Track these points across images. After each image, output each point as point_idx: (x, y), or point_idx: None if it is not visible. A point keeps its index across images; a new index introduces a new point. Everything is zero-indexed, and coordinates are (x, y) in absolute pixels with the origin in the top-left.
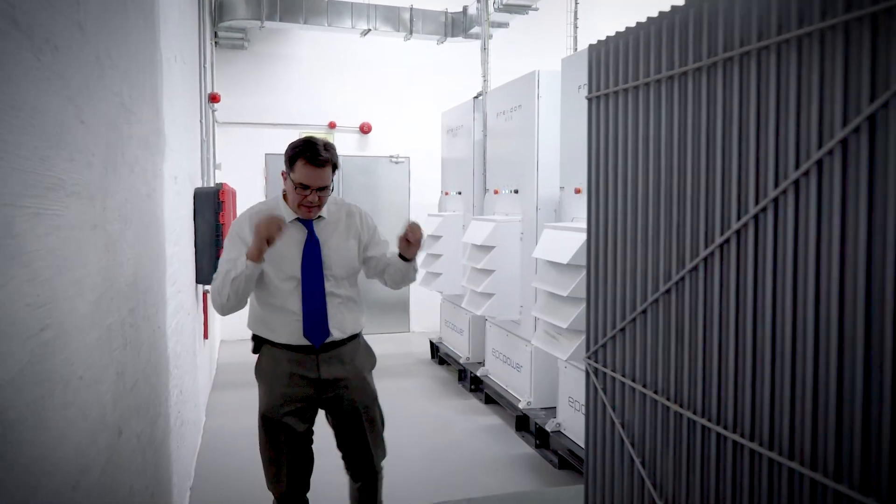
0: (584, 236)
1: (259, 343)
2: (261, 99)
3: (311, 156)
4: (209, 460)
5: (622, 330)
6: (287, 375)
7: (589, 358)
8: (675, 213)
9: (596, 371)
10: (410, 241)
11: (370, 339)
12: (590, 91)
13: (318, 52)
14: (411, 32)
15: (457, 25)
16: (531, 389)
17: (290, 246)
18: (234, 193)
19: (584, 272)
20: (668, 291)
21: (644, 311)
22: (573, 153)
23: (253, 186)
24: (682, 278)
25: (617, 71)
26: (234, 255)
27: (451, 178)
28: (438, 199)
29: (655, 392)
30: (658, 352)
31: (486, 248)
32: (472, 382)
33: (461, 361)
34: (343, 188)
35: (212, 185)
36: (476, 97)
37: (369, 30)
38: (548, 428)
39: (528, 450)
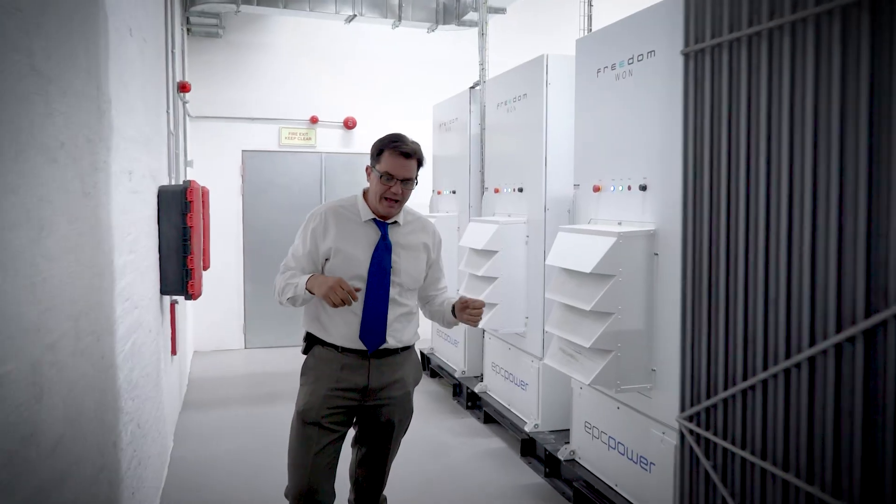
0: (610, 241)
1: (311, 343)
2: (237, 91)
3: (399, 145)
4: (176, 496)
5: (744, 392)
6: (335, 379)
7: (688, 420)
8: (825, 232)
9: (697, 437)
10: (470, 315)
11: None
12: (686, 43)
13: (298, 40)
14: (400, 19)
15: (449, 12)
16: (539, 410)
17: (361, 246)
18: (205, 192)
19: (610, 282)
20: (824, 353)
21: (781, 374)
22: (590, 146)
23: (229, 186)
24: (848, 339)
25: (732, 12)
26: (301, 251)
27: (443, 176)
28: (430, 199)
29: (797, 476)
30: (798, 427)
31: (487, 253)
32: (469, 399)
33: (456, 375)
34: (326, 187)
35: (180, 183)
36: (473, 87)
37: (354, 16)
38: (560, 456)
39: (537, 479)
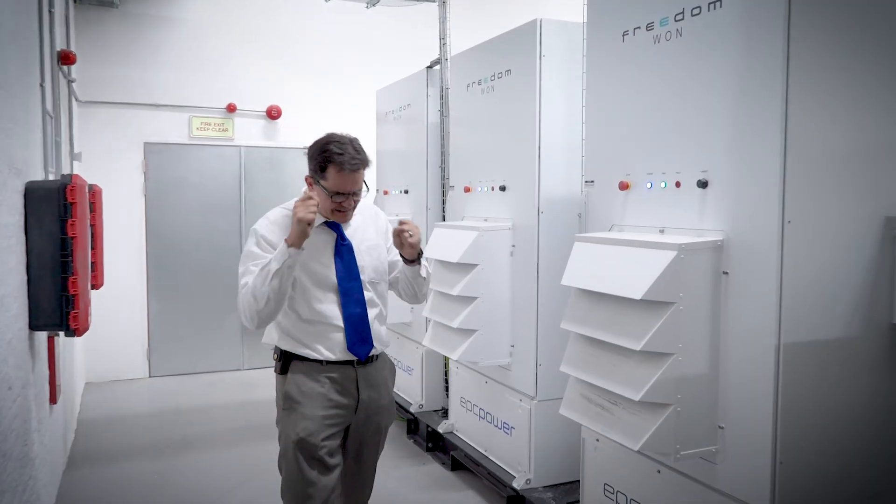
0: (667, 256)
1: (288, 361)
2: (138, 73)
3: (345, 161)
4: None
5: None
6: (325, 397)
7: None
8: None
9: None
10: (409, 238)
11: (263, 373)
12: None
13: (213, 14)
14: None
15: None
16: (531, 462)
17: (321, 254)
18: (97, 192)
19: (667, 312)
20: None
21: None
22: (612, 131)
23: (128, 184)
24: None
25: None
26: (255, 266)
27: (391, 174)
28: (372, 201)
29: None
30: None
31: (463, 267)
32: (431, 439)
33: (412, 409)
34: (246, 186)
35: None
36: (431, 66)
37: None
38: None
39: None
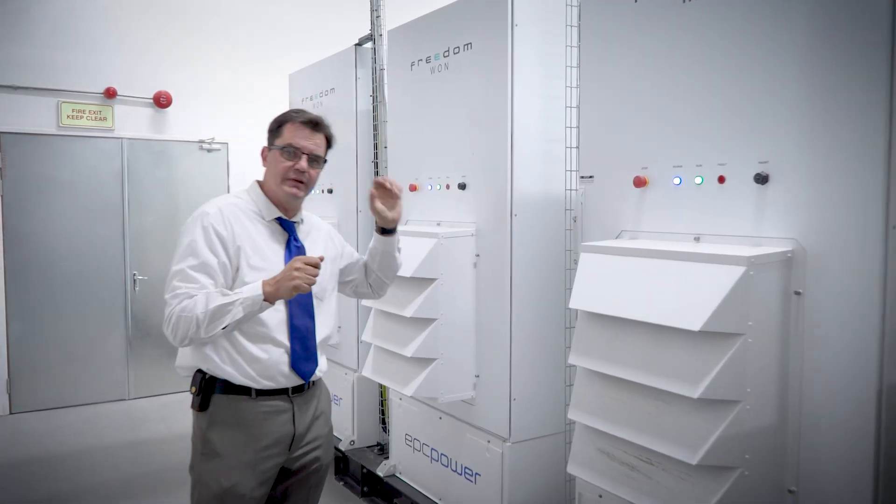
0: (733, 274)
1: (209, 393)
2: None
3: (303, 113)
4: None
5: None
6: (258, 436)
7: None
8: None
9: None
10: (389, 195)
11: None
12: None
13: None
14: None
15: None
16: None
17: (273, 253)
18: None
19: (732, 348)
20: None
21: None
22: (622, 115)
23: None
24: None
25: None
26: (210, 261)
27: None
28: None
29: None
30: None
31: (418, 283)
32: (366, 482)
33: (341, 447)
34: (130, 186)
35: None
36: (360, 44)
37: None
38: None
39: None
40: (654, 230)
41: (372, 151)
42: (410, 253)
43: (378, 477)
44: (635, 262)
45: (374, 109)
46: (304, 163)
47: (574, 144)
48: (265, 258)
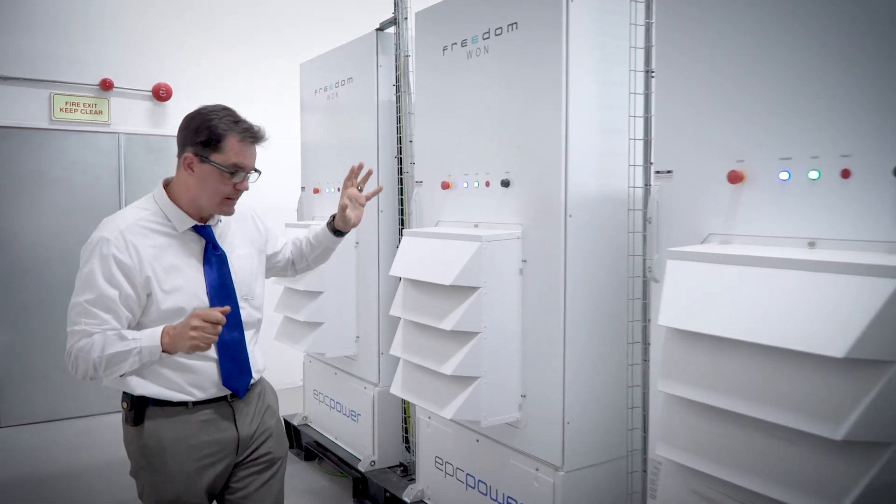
0: (889, 288)
1: (143, 408)
2: None
3: (248, 127)
4: None
5: None
6: (198, 446)
7: None
8: None
9: None
10: (359, 202)
11: None
12: None
13: None
14: None
15: None
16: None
17: (189, 268)
18: None
19: (886, 375)
20: None
21: None
22: (704, 101)
23: None
24: None
25: None
26: (109, 294)
27: (323, 167)
28: (298, 200)
29: None
30: None
31: (458, 292)
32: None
33: (360, 467)
34: (127, 183)
35: None
36: (382, 28)
37: None
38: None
39: None
40: (751, 233)
41: (395, 146)
42: (447, 258)
43: (404, 502)
44: (743, 272)
45: (398, 100)
46: (247, 182)
47: (640, 136)
48: (181, 276)
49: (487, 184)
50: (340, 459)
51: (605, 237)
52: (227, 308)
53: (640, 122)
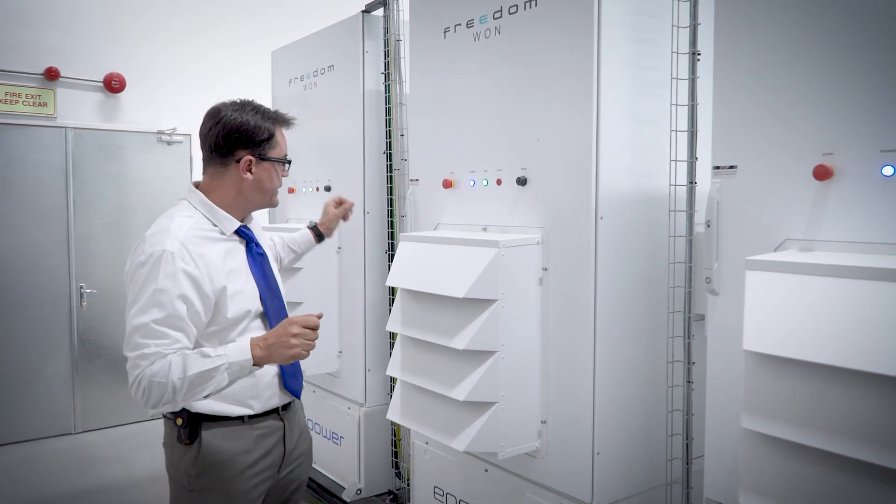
0: None
1: (198, 424)
2: None
3: (286, 119)
4: None
5: None
6: (254, 463)
7: None
8: None
9: None
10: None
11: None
12: None
13: None
14: None
15: None
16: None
17: (241, 269)
18: None
19: None
20: None
21: None
22: (777, 84)
23: None
24: None
25: None
26: (180, 312)
27: (296, 165)
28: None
29: None
30: None
31: (471, 305)
32: None
33: (344, 496)
34: (75, 184)
35: None
36: (368, 10)
37: None
38: None
39: None
40: (838, 238)
41: (384, 141)
42: (457, 266)
43: None
44: (848, 286)
45: (388, 90)
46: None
47: (684, 127)
48: (240, 280)
49: (499, 182)
50: (321, 487)
51: (639, 242)
52: (321, 313)
53: (685, 111)
